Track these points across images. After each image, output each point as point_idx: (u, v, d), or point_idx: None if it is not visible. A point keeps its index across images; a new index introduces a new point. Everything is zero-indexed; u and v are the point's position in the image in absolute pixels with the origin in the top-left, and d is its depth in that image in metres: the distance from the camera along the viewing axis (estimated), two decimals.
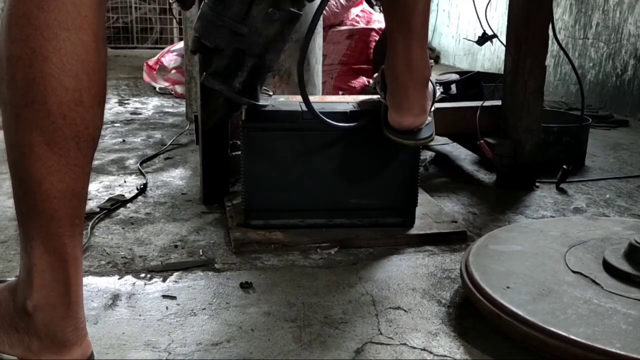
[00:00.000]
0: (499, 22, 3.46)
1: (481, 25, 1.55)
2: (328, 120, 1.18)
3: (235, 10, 0.99)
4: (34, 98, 0.67)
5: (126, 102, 2.86)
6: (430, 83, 1.23)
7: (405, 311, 0.99)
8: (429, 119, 1.22)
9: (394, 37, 1.14)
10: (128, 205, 1.47)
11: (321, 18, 1.83)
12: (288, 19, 1.02)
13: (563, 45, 3.00)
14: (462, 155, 1.97)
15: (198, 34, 1.02)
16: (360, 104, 1.30)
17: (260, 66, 1.05)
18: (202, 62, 1.06)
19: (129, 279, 1.09)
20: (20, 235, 0.74)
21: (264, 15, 0.99)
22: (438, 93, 1.31)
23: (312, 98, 1.45)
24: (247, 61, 1.02)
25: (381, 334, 0.93)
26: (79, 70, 0.68)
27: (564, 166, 1.65)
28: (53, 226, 0.71)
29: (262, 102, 1.17)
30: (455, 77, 1.88)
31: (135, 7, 5.36)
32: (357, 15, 2.55)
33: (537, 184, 1.66)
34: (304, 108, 1.25)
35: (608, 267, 0.98)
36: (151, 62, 2.99)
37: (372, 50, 2.40)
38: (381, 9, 2.71)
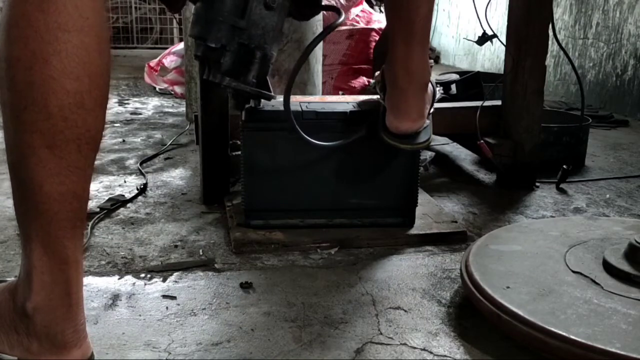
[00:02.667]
0: (499, 22, 3.46)
1: (481, 25, 1.56)
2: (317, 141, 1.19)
3: (233, 4, 0.97)
4: (34, 100, 0.66)
5: (126, 102, 2.86)
6: (430, 85, 1.23)
7: (405, 311, 0.99)
8: (427, 122, 1.22)
9: (395, 40, 1.13)
10: (128, 205, 1.47)
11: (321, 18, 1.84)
12: (285, 7, 1.01)
13: (563, 45, 3.00)
14: (462, 155, 1.97)
15: (201, 37, 0.99)
16: (361, 104, 1.30)
17: (266, 57, 1.04)
18: (207, 65, 1.03)
19: (129, 279, 1.09)
20: (21, 236, 0.74)
21: (262, 6, 0.98)
22: (438, 94, 1.31)
23: (312, 98, 1.46)
24: (255, 54, 1.01)
25: (381, 334, 0.93)
26: (81, 72, 0.67)
27: (564, 166, 1.65)
28: (53, 228, 0.70)
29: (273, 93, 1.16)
30: (455, 77, 1.88)
31: (135, 7, 5.36)
32: (357, 15, 2.55)
33: (537, 184, 1.66)
34: (304, 108, 1.25)
35: (608, 267, 0.98)
36: (153, 63, 2.99)
37: (372, 50, 2.40)
38: (382, 9, 2.72)
